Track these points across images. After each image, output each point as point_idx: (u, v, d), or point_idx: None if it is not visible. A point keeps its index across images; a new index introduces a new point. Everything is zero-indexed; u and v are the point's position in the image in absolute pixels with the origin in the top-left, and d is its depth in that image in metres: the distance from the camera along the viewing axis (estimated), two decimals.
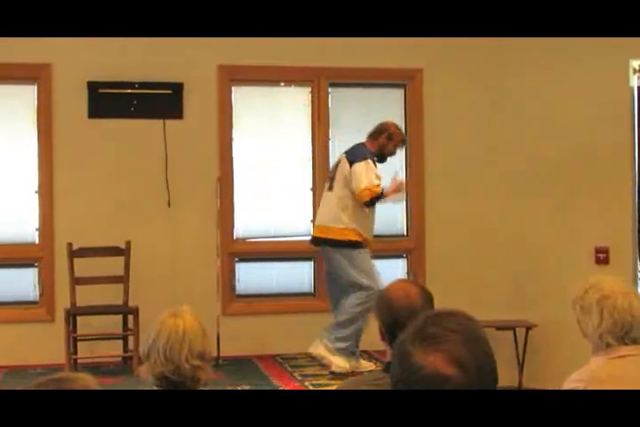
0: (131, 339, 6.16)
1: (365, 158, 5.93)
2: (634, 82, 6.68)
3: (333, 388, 4.54)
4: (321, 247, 6.13)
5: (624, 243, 6.61)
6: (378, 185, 5.90)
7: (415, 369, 1.62)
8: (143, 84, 6.58)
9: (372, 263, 6.00)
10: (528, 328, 6.75)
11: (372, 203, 5.92)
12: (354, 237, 5.92)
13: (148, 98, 6.61)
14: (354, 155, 5.99)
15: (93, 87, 6.52)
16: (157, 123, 6.61)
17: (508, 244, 6.89)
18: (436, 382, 1.60)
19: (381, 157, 6.10)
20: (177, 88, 6.64)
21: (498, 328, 6.47)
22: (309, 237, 6.79)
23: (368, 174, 5.88)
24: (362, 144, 6.10)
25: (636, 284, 6.52)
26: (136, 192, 6.60)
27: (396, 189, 6.07)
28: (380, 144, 6.07)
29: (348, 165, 5.96)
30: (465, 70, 7.09)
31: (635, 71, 6.67)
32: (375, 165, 5.99)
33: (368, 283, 5.79)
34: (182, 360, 2.70)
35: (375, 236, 7.02)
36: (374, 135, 6.11)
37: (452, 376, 1.60)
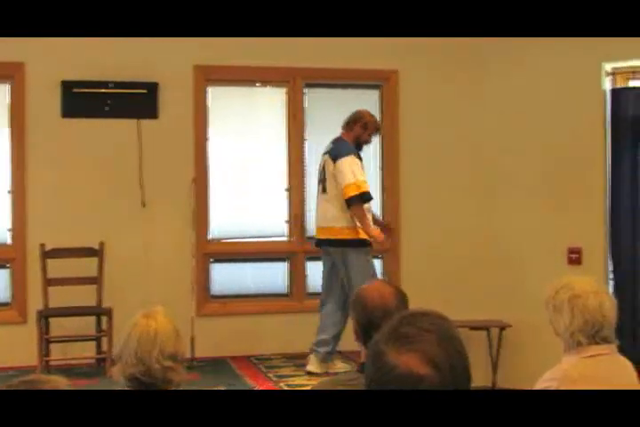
0: (104, 340, 6.12)
1: (349, 154, 5.86)
2: (606, 85, 6.73)
3: (308, 389, 4.53)
4: (322, 248, 6.06)
5: (596, 244, 6.66)
6: (364, 181, 5.82)
7: (388, 369, 1.63)
8: (118, 84, 6.54)
9: (371, 263, 5.94)
10: (502, 328, 6.78)
11: (354, 200, 5.76)
12: (355, 236, 5.83)
13: (123, 97, 6.57)
14: (336, 152, 5.92)
15: (67, 86, 6.48)
16: (132, 122, 6.58)
17: (482, 244, 6.92)
18: (410, 382, 1.61)
19: (357, 147, 6.03)
20: (152, 88, 6.61)
21: (472, 328, 6.50)
22: (284, 238, 6.84)
23: (354, 169, 5.80)
24: (340, 139, 6.03)
25: (608, 284, 6.56)
26: (110, 192, 6.56)
27: (376, 235, 5.85)
28: (355, 134, 6.01)
29: (332, 163, 5.89)
30: (440, 72, 7.11)
31: (607, 74, 6.72)
32: (360, 159, 5.93)
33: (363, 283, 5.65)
34: (153, 361, 2.69)
35: None
36: (349, 125, 6.04)
37: (426, 376, 1.61)
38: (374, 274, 5.95)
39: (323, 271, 6.15)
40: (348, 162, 5.83)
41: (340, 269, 5.89)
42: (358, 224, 5.84)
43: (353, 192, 5.76)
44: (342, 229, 5.87)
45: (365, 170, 6.06)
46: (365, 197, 5.82)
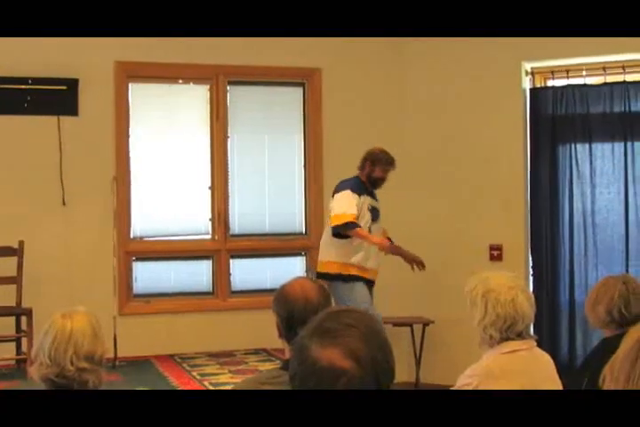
0: (24, 341, 6.02)
1: (345, 189, 5.86)
2: (526, 84, 6.84)
3: (231, 387, 4.52)
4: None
5: (517, 240, 6.77)
6: (351, 215, 5.75)
7: (311, 363, 1.65)
8: (37, 80, 6.43)
9: (363, 295, 5.85)
10: (425, 324, 6.86)
11: (338, 229, 5.77)
12: (340, 271, 5.84)
13: (42, 94, 6.46)
14: (337, 187, 5.95)
15: None
16: (52, 119, 6.47)
17: (403, 242, 6.96)
18: (332, 376, 1.63)
19: (374, 183, 6.03)
20: (72, 84, 6.50)
21: (395, 325, 6.56)
22: (207, 236, 6.86)
23: (342, 203, 5.79)
24: (354, 177, 6.03)
25: (528, 280, 6.68)
26: (30, 190, 6.45)
27: (379, 243, 5.80)
28: (367, 172, 6.01)
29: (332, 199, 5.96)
30: (362, 69, 7.15)
31: (527, 73, 6.83)
32: (360, 195, 5.87)
33: None
34: (67, 362, 2.66)
35: (274, 234, 7.06)
36: (360, 165, 6.04)
37: (348, 369, 1.63)
38: (368, 303, 5.81)
39: None
40: (340, 196, 5.85)
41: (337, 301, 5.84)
42: (348, 260, 5.83)
43: (335, 222, 5.78)
44: (329, 264, 5.88)
45: (364, 200, 5.92)
46: (349, 225, 5.73)
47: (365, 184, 6.02)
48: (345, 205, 5.80)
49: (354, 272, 5.88)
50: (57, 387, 2.70)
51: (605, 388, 1.78)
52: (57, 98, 6.48)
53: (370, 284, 5.99)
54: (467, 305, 3.16)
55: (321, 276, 5.80)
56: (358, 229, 5.76)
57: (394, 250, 5.94)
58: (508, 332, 3.07)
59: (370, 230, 5.94)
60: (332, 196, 5.98)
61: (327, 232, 6.01)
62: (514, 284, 3.13)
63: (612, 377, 1.77)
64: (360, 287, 5.89)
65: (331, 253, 5.93)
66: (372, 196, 6.07)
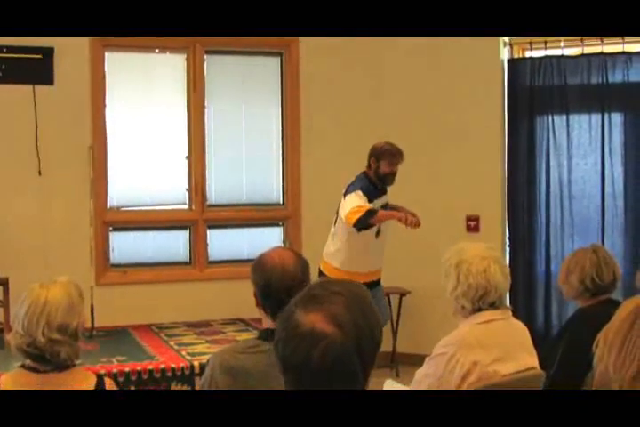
0: (1, 311, 6.00)
1: (355, 190, 5.53)
2: (504, 55, 6.84)
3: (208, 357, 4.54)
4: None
5: (494, 211, 6.81)
6: (361, 206, 5.41)
7: (294, 326, 1.71)
8: (12, 49, 6.35)
9: None
10: (402, 295, 6.90)
11: (360, 223, 5.41)
12: (336, 276, 5.55)
13: (17, 62, 6.39)
14: (347, 189, 5.64)
15: None
16: (27, 88, 6.41)
17: None
18: (312, 339, 1.68)
19: (384, 180, 5.71)
20: (47, 53, 6.43)
21: None
22: (184, 206, 6.83)
23: (353, 201, 5.46)
24: (360, 174, 5.72)
25: (505, 250, 6.73)
26: (5, 160, 6.40)
27: (402, 217, 5.40)
28: (374, 168, 5.68)
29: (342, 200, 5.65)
30: (341, 38, 7.09)
31: (505, 44, 6.83)
32: (370, 197, 5.55)
33: None
34: (38, 333, 2.66)
35: (252, 205, 7.05)
36: (367, 162, 5.72)
37: (329, 334, 1.68)
38: None
39: None
40: (350, 196, 5.53)
41: None
42: (355, 269, 5.62)
43: (354, 219, 5.41)
44: (332, 270, 5.70)
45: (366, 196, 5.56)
46: (369, 213, 5.40)
47: (375, 184, 5.70)
48: (355, 202, 5.47)
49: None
50: (30, 357, 2.70)
51: (598, 354, 1.81)
52: (32, 67, 6.41)
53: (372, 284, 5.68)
54: (443, 276, 3.19)
55: (322, 274, 5.71)
56: (378, 214, 5.46)
57: (416, 221, 5.47)
58: (480, 302, 3.10)
59: (379, 233, 5.71)
60: (344, 197, 5.62)
61: (334, 235, 5.73)
62: (487, 254, 3.15)
63: (606, 345, 1.80)
64: None
65: (335, 258, 5.71)
66: (384, 193, 5.79)
